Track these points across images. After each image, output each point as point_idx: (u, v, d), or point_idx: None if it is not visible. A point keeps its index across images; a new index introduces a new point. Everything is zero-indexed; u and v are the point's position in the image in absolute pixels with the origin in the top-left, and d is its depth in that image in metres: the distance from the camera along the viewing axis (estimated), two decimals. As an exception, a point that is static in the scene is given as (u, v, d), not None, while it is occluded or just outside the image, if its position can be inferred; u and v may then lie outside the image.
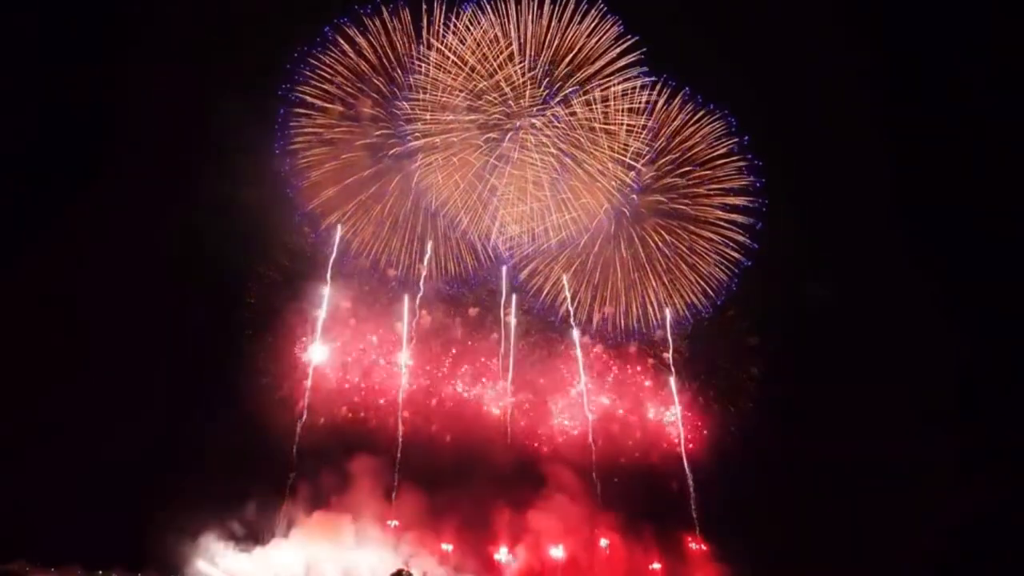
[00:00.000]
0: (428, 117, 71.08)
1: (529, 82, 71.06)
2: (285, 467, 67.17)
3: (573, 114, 71.82)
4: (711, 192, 73.41)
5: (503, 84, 70.97)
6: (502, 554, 68.06)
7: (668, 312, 74.79)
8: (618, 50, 70.43)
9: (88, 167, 71.04)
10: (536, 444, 73.35)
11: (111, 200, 69.27)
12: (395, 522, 68.16)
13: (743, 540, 69.20)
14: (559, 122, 72.02)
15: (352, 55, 70.05)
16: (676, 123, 72.79)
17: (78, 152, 71.42)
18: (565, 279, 74.54)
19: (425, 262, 72.41)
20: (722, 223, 73.22)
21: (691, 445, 74.21)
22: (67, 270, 68.13)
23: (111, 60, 70.70)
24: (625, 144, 71.79)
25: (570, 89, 71.27)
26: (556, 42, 70.22)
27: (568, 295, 74.96)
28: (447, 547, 67.63)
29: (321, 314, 70.40)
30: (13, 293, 66.67)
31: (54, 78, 70.43)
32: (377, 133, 71.68)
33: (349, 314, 71.44)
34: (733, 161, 72.99)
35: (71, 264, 68.21)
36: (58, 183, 71.02)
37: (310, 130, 70.26)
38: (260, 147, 70.13)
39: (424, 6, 68.86)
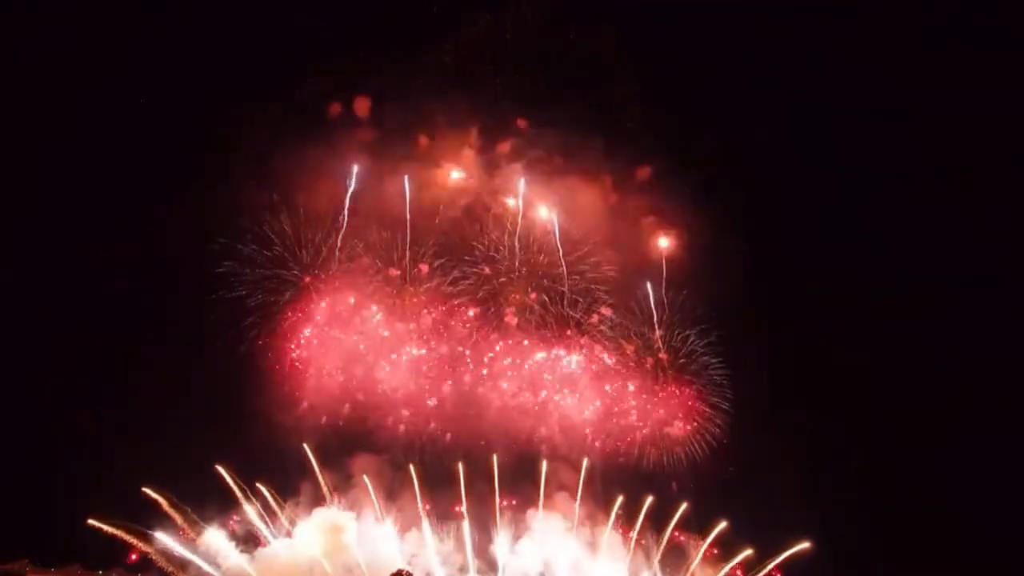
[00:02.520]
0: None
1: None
2: (287, 466, 67.54)
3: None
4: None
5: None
6: (503, 552, 68.18)
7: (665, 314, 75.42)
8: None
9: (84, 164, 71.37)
10: (536, 443, 73.45)
11: (109, 197, 69.87)
12: (396, 523, 68.70)
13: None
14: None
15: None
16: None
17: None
18: (566, 279, 74.84)
19: (426, 261, 72.83)
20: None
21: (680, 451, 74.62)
22: (69, 271, 68.59)
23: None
24: None
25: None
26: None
27: (567, 296, 75.26)
28: (449, 546, 67.86)
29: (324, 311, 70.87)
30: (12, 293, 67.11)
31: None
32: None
33: (352, 313, 71.45)
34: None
35: (74, 265, 68.62)
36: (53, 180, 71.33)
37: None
38: (259, 149, 70.17)
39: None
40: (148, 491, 62.23)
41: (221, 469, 64.30)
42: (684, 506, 69.78)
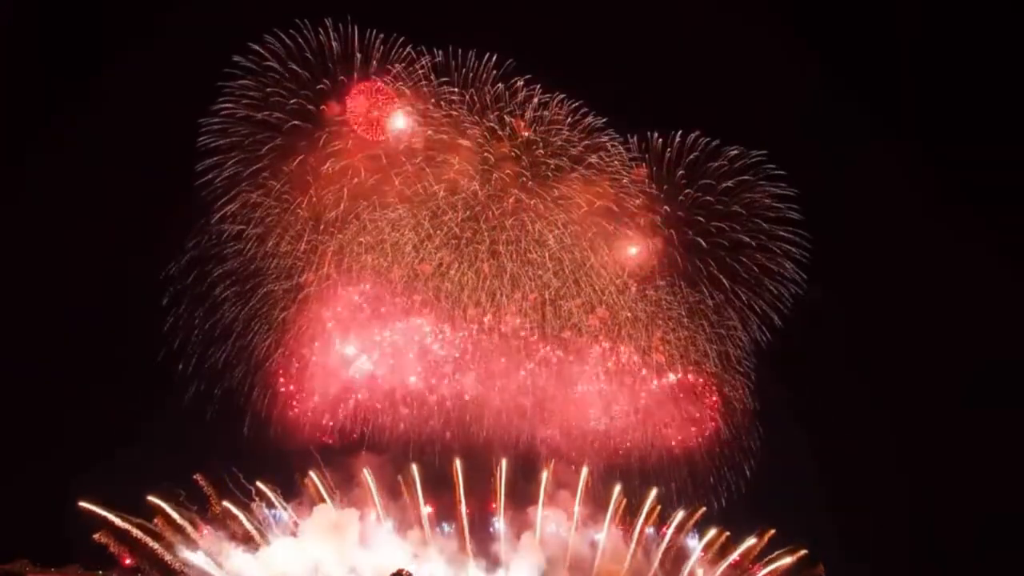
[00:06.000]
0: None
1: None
2: (290, 466, 67.57)
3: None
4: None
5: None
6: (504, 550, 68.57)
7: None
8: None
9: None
10: (537, 443, 73.89)
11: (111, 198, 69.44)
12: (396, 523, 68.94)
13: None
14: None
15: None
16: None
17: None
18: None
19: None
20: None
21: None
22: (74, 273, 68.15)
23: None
24: None
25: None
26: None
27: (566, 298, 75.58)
28: (451, 544, 68.15)
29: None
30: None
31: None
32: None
33: (355, 312, 71.59)
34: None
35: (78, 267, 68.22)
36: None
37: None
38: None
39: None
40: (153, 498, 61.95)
41: (199, 478, 64.39)
42: (682, 507, 70.96)
